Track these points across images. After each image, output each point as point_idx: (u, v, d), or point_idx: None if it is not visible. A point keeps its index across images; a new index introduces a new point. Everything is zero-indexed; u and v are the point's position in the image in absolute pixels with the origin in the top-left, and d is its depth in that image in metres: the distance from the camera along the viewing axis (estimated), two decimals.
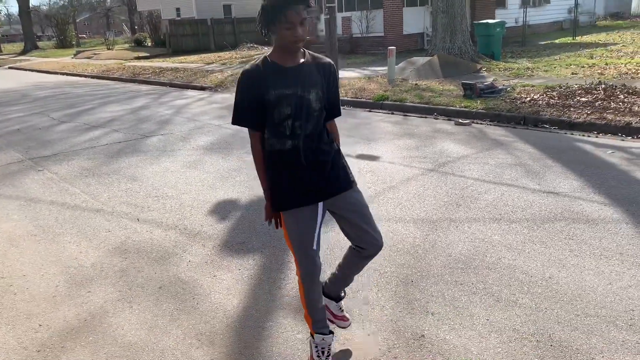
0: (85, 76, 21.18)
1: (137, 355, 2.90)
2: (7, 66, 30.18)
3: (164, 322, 3.21)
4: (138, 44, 33.26)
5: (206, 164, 6.64)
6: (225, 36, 28.74)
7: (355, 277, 2.92)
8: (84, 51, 34.18)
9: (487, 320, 3.00)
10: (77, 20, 62.11)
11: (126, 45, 35.47)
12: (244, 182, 5.78)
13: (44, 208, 5.35)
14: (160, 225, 4.72)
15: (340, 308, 2.95)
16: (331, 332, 2.71)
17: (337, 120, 2.66)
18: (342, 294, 2.97)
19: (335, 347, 2.84)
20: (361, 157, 6.56)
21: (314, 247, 2.59)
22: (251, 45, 26.92)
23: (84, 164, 6.97)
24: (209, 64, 20.97)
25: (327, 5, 11.79)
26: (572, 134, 7.25)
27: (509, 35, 19.28)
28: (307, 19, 2.34)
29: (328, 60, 2.52)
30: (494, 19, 18.94)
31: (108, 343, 3.04)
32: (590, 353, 2.66)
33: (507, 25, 16.14)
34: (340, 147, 2.68)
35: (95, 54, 30.76)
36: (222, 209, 5.04)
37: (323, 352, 2.68)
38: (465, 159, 6.22)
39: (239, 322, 3.16)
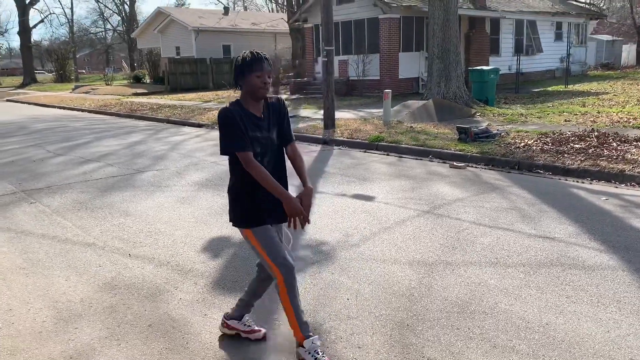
0: (83, 110, 21.29)
1: None
2: (5, 98, 30.34)
3: None
4: (137, 80, 33.63)
5: (200, 200, 6.61)
6: (224, 75, 29.10)
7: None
8: (82, 86, 34.48)
9: None
10: (78, 56, 62.95)
11: (125, 82, 35.84)
12: None
13: (35, 241, 5.28)
14: (152, 261, 4.65)
15: (245, 324, 3.30)
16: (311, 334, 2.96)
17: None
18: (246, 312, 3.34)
19: None
20: (356, 196, 6.56)
21: (285, 249, 2.97)
22: None
23: (77, 197, 6.92)
24: (206, 102, 21.17)
25: (326, 48, 12.02)
26: (566, 180, 7.29)
27: (502, 82, 19.65)
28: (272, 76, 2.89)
29: (277, 97, 3.05)
30: (487, 65, 19.34)
31: None
32: None
33: (500, 72, 16.47)
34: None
35: (93, 89, 31.02)
36: (214, 246, 4.98)
37: (318, 353, 2.88)
38: (461, 201, 6.23)
39: None
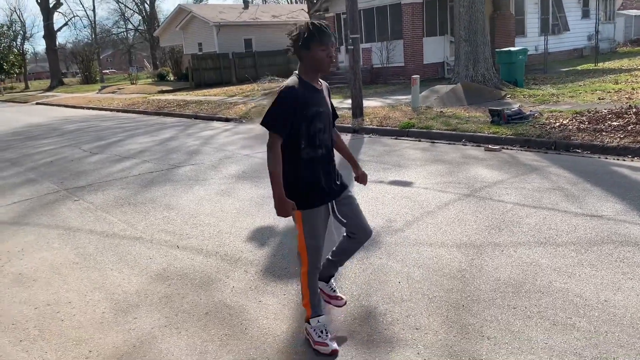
0: (111, 110, 21.63)
1: None
2: (34, 102, 31.00)
3: (213, 347, 3.19)
4: (161, 78, 33.98)
5: (239, 191, 6.68)
6: (247, 69, 29.21)
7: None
8: (108, 86, 35.01)
9: (546, 344, 2.92)
10: (101, 57, 63.81)
11: (149, 80, 36.25)
12: None
13: (83, 236, 5.41)
14: (200, 252, 4.73)
15: (332, 289, 3.42)
16: (323, 314, 3.13)
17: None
18: (332, 275, 3.45)
19: None
20: (394, 183, 6.55)
21: (323, 242, 3.05)
22: (272, 78, 27.26)
23: (118, 193, 7.06)
24: (231, 96, 21.29)
25: (351, 36, 11.95)
26: (606, 158, 7.16)
27: (529, 63, 19.30)
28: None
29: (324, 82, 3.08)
30: (514, 46, 19.01)
31: None
32: None
33: (528, 53, 16.18)
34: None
35: (119, 89, 31.47)
36: (260, 236, 5.04)
37: (322, 332, 3.03)
38: (501, 184, 6.17)
39: (290, 346, 3.12)
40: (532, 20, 23.40)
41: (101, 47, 63.27)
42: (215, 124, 14.59)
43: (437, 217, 5.14)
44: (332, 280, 3.46)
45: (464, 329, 3.15)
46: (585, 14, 25.81)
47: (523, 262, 3.97)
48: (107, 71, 68.37)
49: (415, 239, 4.62)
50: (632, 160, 6.93)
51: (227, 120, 14.98)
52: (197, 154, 9.68)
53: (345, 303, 3.46)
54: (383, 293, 3.68)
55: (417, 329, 3.19)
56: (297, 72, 2.89)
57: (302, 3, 39.94)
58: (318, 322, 3.06)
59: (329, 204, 3.05)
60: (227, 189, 6.86)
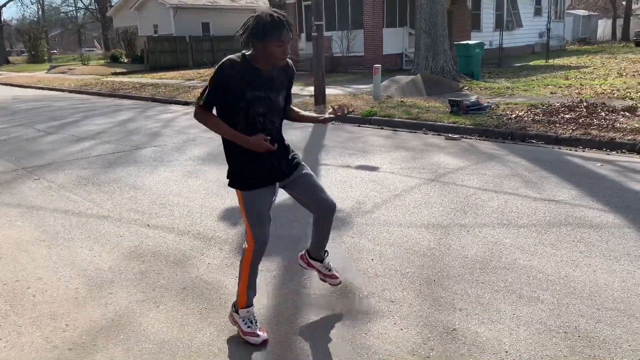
0: (63, 90, 20.91)
1: (173, 351, 2.92)
2: None
3: (194, 319, 3.23)
4: (114, 60, 33.02)
5: (206, 173, 6.67)
6: (204, 53, 28.79)
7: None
8: (58, 66, 33.75)
9: (514, 314, 3.11)
10: (49, 36, 61.30)
11: (102, 62, 35.15)
12: None
13: (48, 215, 5.29)
14: (172, 231, 4.73)
15: (327, 268, 3.39)
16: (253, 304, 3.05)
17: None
18: (325, 255, 3.38)
19: (370, 341, 2.91)
20: (361, 167, 6.69)
21: (268, 218, 2.95)
22: None
23: (80, 173, 6.91)
24: (189, 80, 20.97)
25: (315, 23, 12.00)
26: (560, 149, 7.53)
27: (484, 57, 19.84)
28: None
29: (289, 62, 2.91)
30: (470, 40, 19.52)
31: (141, 340, 3.04)
32: (616, 342, 2.80)
33: None
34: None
35: (70, 69, 30.40)
36: (231, 215, 5.07)
37: (252, 322, 2.99)
38: (463, 170, 6.41)
39: (272, 319, 3.20)
40: (487, 16, 24.06)
41: (48, 25, 60.80)
42: (174, 107, 14.37)
43: (404, 200, 5.31)
44: (327, 259, 3.39)
45: (437, 301, 3.31)
46: (538, 12, 26.73)
47: (488, 242, 4.18)
48: (55, 51, 65.72)
49: (385, 220, 4.77)
50: (584, 151, 7.31)
51: (186, 103, 14.76)
52: (158, 136, 9.55)
53: (340, 282, 3.45)
54: (357, 269, 3.81)
55: (392, 301, 3.33)
56: (246, 52, 2.76)
57: None
58: (248, 312, 2.98)
59: (275, 185, 2.95)
60: (193, 171, 6.83)
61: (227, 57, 2.73)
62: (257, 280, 3.05)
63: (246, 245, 2.96)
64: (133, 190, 6.04)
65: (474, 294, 3.38)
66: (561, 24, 29.04)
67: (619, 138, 7.49)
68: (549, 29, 23.25)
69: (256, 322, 3.00)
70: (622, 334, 2.87)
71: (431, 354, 2.79)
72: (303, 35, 22.89)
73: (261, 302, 3.40)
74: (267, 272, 3.82)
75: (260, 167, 2.86)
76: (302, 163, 3.10)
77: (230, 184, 2.96)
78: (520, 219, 4.66)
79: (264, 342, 2.93)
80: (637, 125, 8.04)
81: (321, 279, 3.45)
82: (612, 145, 7.39)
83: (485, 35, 23.37)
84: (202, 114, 2.81)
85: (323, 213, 3.15)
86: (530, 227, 4.45)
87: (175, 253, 4.24)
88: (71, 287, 3.74)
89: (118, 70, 27.52)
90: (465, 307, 3.23)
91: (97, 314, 3.36)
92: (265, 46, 2.63)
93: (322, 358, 2.81)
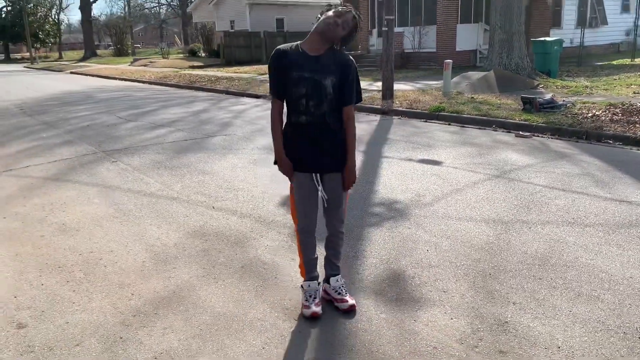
0: (144, 82, 21.96)
1: (227, 324, 3.06)
2: (69, 71, 31.57)
3: (249, 296, 3.37)
4: (192, 54, 34.26)
5: (271, 162, 6.82)
6: None
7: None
8: (140, 59, 35.43)
9: (570, 311, 3.03)
10: (133, 31, 64.45)
11: (180, 55, 36.57)
12: None
13: (122, 194, 5.63)
14: (235, 214, 4.91)
15: (336, 290, 3.18)
16: (317, 281, 3.17)
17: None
18: (336, 276, 3.23)
19: (418, 327, 2.93)
20: (423, 161, 6.64)
21: (312, 209, 3.06)
22: None
23: (154, 157, 7.28)
24: (261, 74, 21.42)
25: (386, 17, 11.93)
26: (638, 150, 7.13)
27: (563, 55, 19.01)
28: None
29: (348, 57, 2.93)
30: (548, 37, 18.75)
31: (199, 312, 3.20)
32: None
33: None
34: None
35: (151, 62, 31.84)
36: None
37: (310, 296, 3.09)
38: (531, 167, 6.22)
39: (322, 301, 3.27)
40: (569, 12, 22.98)
41: (134, 21, 63.88)
42: (246, 99, 14.76)
43: (466, 195, 5.23)
44: (337, 280, 3.20)
45: (490, 294, 3.27)
46: (625, 8, 25.23)
47: (550, 239, 4.06)
48: (139, 45, 69.08)
49: (444, 213, 4.73)
50: None
51: (257, 97, 15.13)
52: (229, 126, 9.87)
53: (352, 307, 3.10)
54: (411, 259, 3.81)
55: (444, 291, 3.32)
56: (299, 42, 2.95)
57: None
58: (309, 286, 3.12)
59: (314, 175, 3.00)
60: (259, 159, 7.03)
61: (277, 47, 2.96)
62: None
63: (294, 227, 3.18)
64: (202, 174, 6.31)
65: (529, 289, 3.31)
66: None
67: None
68: (637, 26, 21.89)
69: (315, 298, 3.09)
70: None
71: (480, 344, 2.77)
72: (375, 31, 22.79)
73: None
74: (320, 256, 3.90)
75: (297, 152, 2.98)
76: (345, 165, 3.00)
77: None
78: (587, 218, 4.48)
79: (314, 314, 3.02)
80: None
81: (327, 300, 3.21)
82: None
83: (566, 33, 22.34)
84: (272, 109, 3.00)
85: (327, 227, 3.19)
86: (597, 227, 4.27)
87: (237, 234, 4.41)
88: (139, 260, 3.98)
89: (195, 63, 28.54)
90: (519, 301, 3.17)
91: (161, 285, 3.57)
92: (323, 19, 2.82)
93: (369, 339, 2.85)
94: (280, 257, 3.91)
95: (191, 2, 45.77)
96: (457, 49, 20.21)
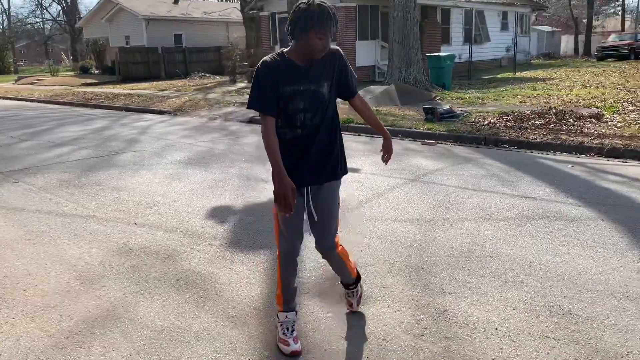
0: (33, 100, 20.52)
1: (172, 337, 2.96)
2: None
3: (191, 308, 3.28)
4: (84, 71, 32.59)
5: (189, 176, 6.69)
6: (177, 65, 28.68)
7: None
8: (25, 77, 33.07)
9: (501, 296, 3.26)
10: (15, 47, 60.07)
11: (71, 72, 34.64)
12: (234, 190, 5.89)
13: (31, 215, 5.25)
14: (160, 228, 4.75)
15: (349, 295, 3.14)
16: (295, 312, 2.92)
17: None
18: (350, 286, 3.12)
19: (367, 322, 3.02)
20: None
21: (296, 230, 2.81)
22: (203, 74, 27.00)
23: (60, 176, 6.85)
24: (162, 90, 20.86)
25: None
26: (532, 152, 7.80)
27: (455, 70, 20.36)
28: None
29: (335, 48, 2.74)
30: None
31: (139, 328, 3.07)
32: (598, 318, 2.97)
33: None
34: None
35: (38, 80, 29.84)
36: (218, 214, 5.13)
37: (287, 329, 2.84)
38: (441, 171, 6.60)
39: (267, 305, 3.27)
40: (456, 30, 24.68)
41: (15, 37, 59.62)
42: (149, 115, 14.29)
43: (387, 198, 5.45)
44: (352, 292, 3.14)
45: (427, 286, 3.44)
46: (504, 27, 27.54)
47: (471, 234, 4.34)
48: (21, 63, 64.45)
49: (371, 215, 4.90)
50: (555, 154, 7.60)
51: (160, 112, 14.71)
52: (136, 142, 9.51)
53: (353, 308, 3.16)
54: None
55: (384, 287, 3.45)
56: (283, 49, 2.69)
57: (234, 1, 39.69)
58: (286, 317, 2.86)
59: (305, 189, 2.78)
60: (176, 174, 6.85)
61: (262, 59, 2.67)
62: (247, 270, 3.11)
63: (277, 251, 2.90)
64: (116, 191, 6.03)
65: (461, 279, 3.52)
66: (526, 38, 29.94)
67: (587, 142, 7.81)
68: (515, 44, 23.98)
69: (292, 331, 2.84)
70: (603, 311, 3.04)
71: (425, 332, 2.91)
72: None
73: (255, 290, 3.47)
74: (258, 263, 3.89)
75: (290, 168, 2.65)
76: (336, 181, 2.89)
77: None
78: (500, 213, 4.84)
79: (293, 353, 2.75)
80: (603, 131, 8.40)
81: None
82: (581, 149, 7.69)
83: (455, 49, 23.93)
84: (263, 126, 2.64)
85: (317, 244, 2.94)
86: (510, 221, 4.63)
87: (166, 248, 4.27)
88: (62, 281, 3.74)
89: (89, 81, 27.17)
90: (454, 290, 3.36)
91: (92, 305, 3.38)
92: (307, 37, 2.52)
93: (320, 338, 2.89)
94: (216, 268, 3.85)
95: (80, 17, 43.62)
96: (357, 65, 20.94)
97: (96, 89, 22.89)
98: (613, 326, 2.89)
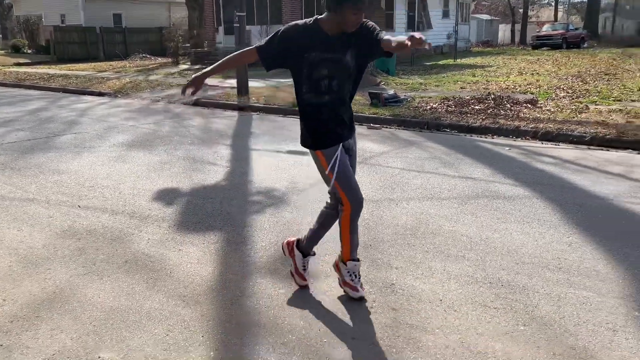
0: None
1: (123, 317, 2.95)
2: None
3: (141, 288, 3.27)
4: (16, 50, 30.91)
5: (134, 158, 6.56)
6: (116, 45, 27.75)
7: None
8: None
9: (444, 270, 3.42)
10: None
11: (1, 52, 32.79)
12: (181, 173, 5.83)
13: None
14: (105, 211, 4.66)
15: (304, 266, 3.26)
16: (359, 260, 3.13)
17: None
18: (312, 252, 3.31)
19: (319, 297, 3.10)
20: (291, 152, 6.87)
21: (356, 182, 3.07)
22: (144, 55, 26.26)
23: None
24: (101, 71, 20.15)
25: (237, 14, 12.02)
26: (471, 136, 8.10)
27: (398, 56, 20.69)
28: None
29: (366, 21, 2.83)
30: None
31: (88, 310, 3.03)
32: (534, 288, 3.17)
33: None
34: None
35: None
36: (165, 196, 5.07)
37: (355, 275, 3.08)
38: (387, 154, 6.76)
39: (219, 284, 3.31)
40: (400, 16, 25.01)
41: None
42: (88, 97, 13.81)
43: None
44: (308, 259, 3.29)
45: (375, 262, 3.56)
46: (446, 14, 28.16)
47: (415, 213, 4.50)
48: None
49: (320, 197, 4.94)
50: (493, 138, 7.92)
51: (100, 94, 14.23)
52: (76, 124, 9.19)
53: (361, 299, 3.12)
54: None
55: (333, 265, 3.53)
56: (319, 16, 2.81)
57: None
58: (355, 265, 3.06)
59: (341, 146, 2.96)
60: (119, 156, 6.69)
61: (295, 22, 2.84)
62: (198, 251, 3.12)
63: (342, 209, 3.02)
64: (57, 174, 5.84)
65: (407, 255, 3.66)
66: (466, 26, 30.77)
67: (523, 126, 8.19)
68: (456, 31, 24.59)
69: (359, 278, 3.08)
70: (538, 282, 3.26)
71: (374, 304, 3.03)
72: (221, 29, 22.69)
73: (206, 270, 3.49)
74: (208, 244, 3.91)
75: (326, 128, 2.91)
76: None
77: (306, 146, 3.03)
78: (442, 193, 5.04)
79: (362, 298, 3.04)
80: (538, 115, 8.82)
81: (291, 273, 3.29)
82: (517, 133, 8.06)
83: (398, 35, 24.29)
84: (244, 52, 2.95)
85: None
86: (452, 200, 4.83)
87: (112, 231, 4.20)
88: (3, 265, 3.62)
89: (21, 60, 25.87)
90: (400, 265, 3.50)
91: (37, 288, 3.30)
92: (342, 12, 2.65)
93: (274, 313, 2.95)
94: (166, 249, 3.83)
95: None
96: None
97: (30, 69, 21.84)
98: (547, 295, 3.10)
